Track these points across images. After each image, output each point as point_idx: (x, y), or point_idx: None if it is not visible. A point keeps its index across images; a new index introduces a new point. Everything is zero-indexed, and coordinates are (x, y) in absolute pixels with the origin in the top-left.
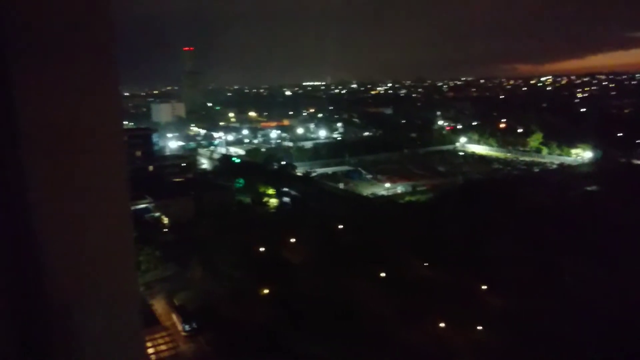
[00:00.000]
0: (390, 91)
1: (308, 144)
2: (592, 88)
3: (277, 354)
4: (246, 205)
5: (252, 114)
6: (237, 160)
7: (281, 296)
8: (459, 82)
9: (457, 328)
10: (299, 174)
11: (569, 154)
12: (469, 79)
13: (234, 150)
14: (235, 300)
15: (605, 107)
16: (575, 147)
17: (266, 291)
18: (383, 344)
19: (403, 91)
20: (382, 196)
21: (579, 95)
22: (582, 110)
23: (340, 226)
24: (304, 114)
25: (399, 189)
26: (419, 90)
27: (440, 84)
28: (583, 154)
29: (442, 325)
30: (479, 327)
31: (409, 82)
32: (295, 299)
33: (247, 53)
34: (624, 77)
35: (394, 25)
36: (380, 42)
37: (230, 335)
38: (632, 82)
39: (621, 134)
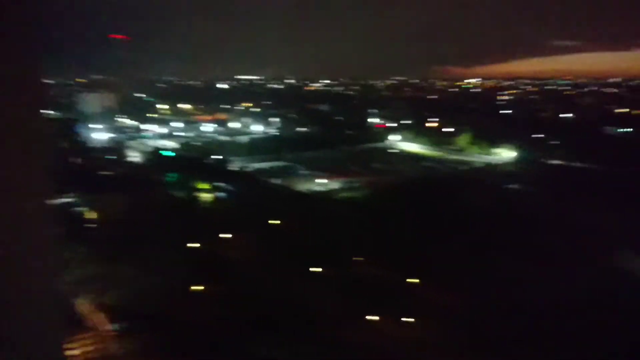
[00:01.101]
0: (327, 88)
1: (244, 139)
2: (516, 91)
3: (212, 352)
4: (180, 200)
5: (186, 106)
6: (170, 154)
7: (216, 293)
8: (392, 82)
9: (391, 321)
10: (234, 168)
11: (493, 154)
12: (403, 79)
13: (167, 143)
14: (168, 299)
15: (527, 111)
16: (500, 147)
17: (200, 288)
18: (319, 339)
19: (339, 88)
20: (318, 192)
21: (504, 98)
22: (506, 112)
23: (277, 222)
24: (239, 108)
25: (334, 185)
26: (355, 88)
27: (374, 82)
28: (506, 154)
29: (376, 318)
30: (411, 320)
31: (345, 79)
32: (231, 296)
33: (182, 45)
34: (543, 82)
35: (331, 24)
36: (318, 39)
37: (162, 335)
38: (550, 87)
39: (540, 136)
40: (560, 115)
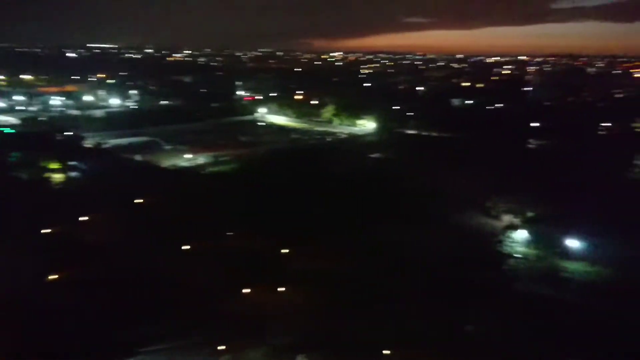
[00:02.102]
0: (189, 59)
1: (99, 113)
2: (375, 65)
3: (82, 339)
4: (25, 181)
5: (27, 77)
6: (10, 131)
7: (75, 281)
8: (258, 54)
9: (265, 291)
10: (88, 145)
11: (356, 125)
12: (268, 51)
13: (4, 119)
14: (20, 291)
15: (386, 84)
16: (362, 118)
17: (56, 276)
18: (194, 315)
19: (202, 59)
20: (184, 167)
21: (365, 71)
22: (366, 85)
23: (139, 200)
24: (92, 79)
25: (201, 160)
26: (219, 59)
27: (239, 54)
28: (367, 125)
29: (248, 291)
30: (282, 289)
31: (208, 50)
32: (94, 282)
33: (21, 4)
34: (399, 56)
35: None
36: (179, 7)
37: (13, 330)
38: (406, 62)
39: (397, 107)
40: (416, 89)
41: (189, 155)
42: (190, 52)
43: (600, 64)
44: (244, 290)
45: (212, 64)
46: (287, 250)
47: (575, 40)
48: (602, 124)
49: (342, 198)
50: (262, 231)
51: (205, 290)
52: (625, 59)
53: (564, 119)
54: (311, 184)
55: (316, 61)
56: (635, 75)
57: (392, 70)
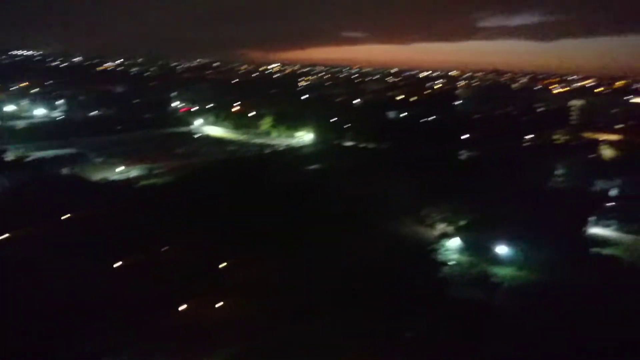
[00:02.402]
0: (121, 68)
1: (21, 124)
2: (313, 77)
3: None
4: None
5: None
6: None
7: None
8: (193, 64)
9: (199, 308)
10: (9, 158)
11: (294, 137)
12: (204, 61)
13: None
14: None
15: (323, 96)
16: (299, 130)
17: None
18: (126, 335)
19: (135, 69)
20: (115, 181)
21: (303, 83)
22: (304, 97)
23: (66, 216)
24: (13, 88)
25: (134, 173)
26: (153, 69)
27: (174, 64)
28: (306, 136)
29: (184, 307)
30: (221, 303)
31: (141, 59)
32: (18, 300)
33: None
34: (337, 69)
35: None
36: (110, 15)
37: None
38: (343, 75)
39: (335, 119)
40: (353, 102)
41: (120, 168)
42: (122, 61)
43: (523, 80)
44: (180, 307)
45: (145, 74)
46: (224, 264)
47: (501, 57)
48: (527, 136)
49: (280, 209)
50: (198, 245)
51: (138, 308)
52: (544, 76)
53: (492, 131)
54: (248, 196)
55: (254, 72)
56: (554, 91)
57: (330, 83)
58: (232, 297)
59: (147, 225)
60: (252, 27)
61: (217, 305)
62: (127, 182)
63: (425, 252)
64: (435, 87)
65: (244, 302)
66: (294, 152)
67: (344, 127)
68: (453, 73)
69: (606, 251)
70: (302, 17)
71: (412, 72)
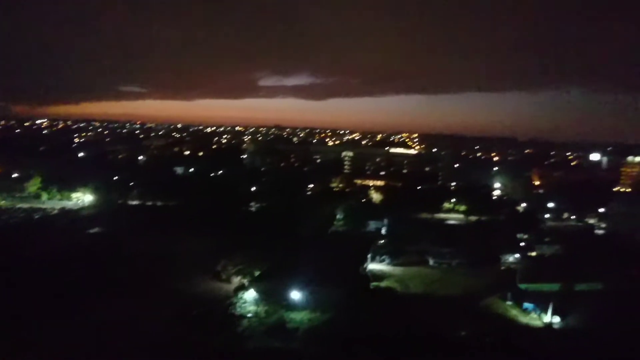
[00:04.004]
0: None
1: None
2: (89, 134)
3: None
4: None
5: None
6: None
7: None
8: None
9: None
10: None
11: (70, 198)
12: None
13: None
14: None
15: (103, 153)
16: (76, 190)
17: None
18: None
19: None
20: None
21: (77, 140)
22: (81, 154)
23: None
24: None
25: None
26: None
27: None
28: (84, 197)
29: None
30: None
31: None
32: None
33: None
34: (117, 125)
35: None
36: None
37: None
38: (125, 131)
39: (118, 177)
40: (138, 158)
41: None
42: None
43: (302, 134)
44: None
45: None
46: None
47: (281, 113)
48: (309, 185)
49: (55, 281)
50: None
51: None
52: (320, 130)
53: (278, 182)
54: (11, 269)
55: (17, 128)
56: (329, 144)
57: (110, 139)
58: None
59: None
60: (14, 80)
61: None
62: None
63: (223, 307)
64: (221, 142)
65: None
66: (70, 216)
67: (129, 184)
68: (239, 128)
69: (383, 284)
70: (71, 70)
71: (198, 128)
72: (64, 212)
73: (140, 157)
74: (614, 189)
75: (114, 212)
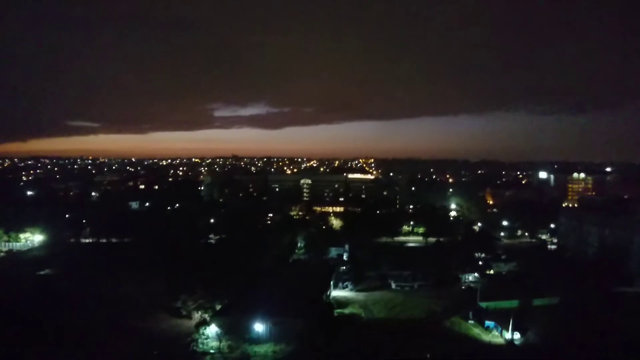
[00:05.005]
0: None
1: None
2: (38, 171)
3: None
4: None
5: None
6: None
7: None
8: None
9: None
10: None
11: (18, 239)
12: None
13: None
14: None
15: (53, 190)
16: (25, 231)
17: None
18: None
19: None
20: None
21: (25, 178)
22: (30, 193)
23: None
24: None
25: None
26: None
27: None
28: (33, 238)
29: None
30: None
31: None
32: None
33: None
34: (68, 161)
35: None
36: None
37: None
38: (76, 167)
39: (69, 215)
40: (91, 194)
41: None
42: None
43: (259, 164)
44: None
45: None
46: None
47: (238, 143)
48: (269, 214)
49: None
50: None
51: None
52: (277, 159)
53: (237, 213)
54: None
55: None
56: (287, 172)
57: (60, 176)
58: None
59: None
60: None
61: None
62: None
63: (184, 345)
64: (178, 175)
65: None
66: (18, 258)
67: (81, 222)
68: (195, 160)
69: (347, 310)
70: (19, 107)
71: (153, 161)
72: (12, 254)
73: (93, 194)
74: (562, 205)
75: (66, 251)
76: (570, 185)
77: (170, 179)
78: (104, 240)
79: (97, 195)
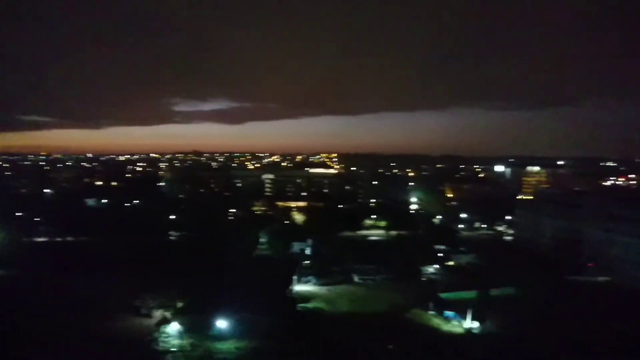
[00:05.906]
0: None
1: None
2: None
3: None
4: None
5: None
6: None
7: None
8: None
9: None
10: None
11: None
12: None
13: None
14: None
15: (3, 188)
16: None
17: None
18: None
19: None
20: None
21: None
22: None
23: None
24: None
25: None
26: None
27: None
28: None
29: None
30: None
31: None
32: None
33: None
34: (18, 157)
35: None
36: None
37: None
38: (28, 163)
39: (21, 213)
40: (43, 191)
41: None
42: None
43: (221, 159)
44: None
45: None
46: None
47: (199, 138)
48: (230, 210)
49: None
50: None
51: None
52: (239, 154)
53: (198, 209)
54: None
55: None
56: (249, 167)
57: (10, 173)
58: None
59: None
60: None
61: None
62: None
63: (144, 343)
64: (137, 171)
65: None
66: None
67: (35, 220)
68: (154, 155)
69: (311, 305)
70: None
71: (110, 157)
72: None
73: (47, 191)
74: (517, 197)
75: (18, 251)
76: (525, 179)
77: (128, 175)
78: (60, 239)
79: (52, 192)
